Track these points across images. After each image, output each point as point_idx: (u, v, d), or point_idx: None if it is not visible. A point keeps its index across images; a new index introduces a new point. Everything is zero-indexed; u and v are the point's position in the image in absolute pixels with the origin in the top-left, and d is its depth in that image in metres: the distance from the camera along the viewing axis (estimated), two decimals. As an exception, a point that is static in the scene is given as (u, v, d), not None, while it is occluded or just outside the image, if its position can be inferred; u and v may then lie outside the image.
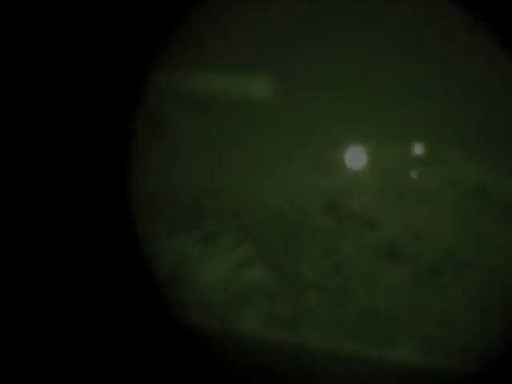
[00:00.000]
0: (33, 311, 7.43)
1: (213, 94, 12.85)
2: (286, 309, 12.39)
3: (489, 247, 13.87)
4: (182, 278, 8.00)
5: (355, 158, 16.85)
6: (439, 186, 15.84)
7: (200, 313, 7.58)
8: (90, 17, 7.54)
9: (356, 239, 15.02)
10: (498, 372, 8.61)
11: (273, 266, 13.58)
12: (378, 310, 12.29)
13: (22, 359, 7.31)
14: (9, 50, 7.50)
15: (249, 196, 15.86)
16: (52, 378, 7.29)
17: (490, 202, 14.90)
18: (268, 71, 12.90)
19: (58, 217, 7.64)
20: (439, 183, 15.89)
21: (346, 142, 16.49)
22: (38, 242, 7.57)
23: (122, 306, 7.48)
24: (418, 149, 16.13)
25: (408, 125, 15.32)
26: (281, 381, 7.44)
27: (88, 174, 7.69)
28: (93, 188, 7.68)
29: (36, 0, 7.49)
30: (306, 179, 16.90)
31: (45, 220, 7.56)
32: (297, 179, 16.93)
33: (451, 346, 10.83)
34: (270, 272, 13.17)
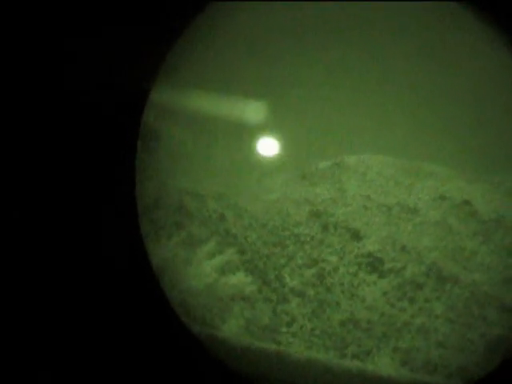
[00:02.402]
0: (33, 311, 7.38)
1: (205, 110, 12.77)
2: (268, 315, 12.24)
3: (472, 263, 13.81)
4: (166, 280, 8.01)
5: (342, 169, 16.75)
6: (426, 200, 15.74)
7: (183, 315, 7.59)
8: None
9: (340, 249, 14.89)
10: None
11: (256, 272, 13.45)
12: (359, 321, 12.19)
13: (22, 359, 7.25)
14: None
15: (235, 202, 15.70)
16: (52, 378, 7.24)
17: (475, 218, 14.79)
18: (260, 89, 12.85)
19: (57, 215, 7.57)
20: (426, 198, 15.80)
21: (333, 153, 16.03)
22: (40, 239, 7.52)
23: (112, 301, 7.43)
24: (406, 163, 16.06)
25: (396, 140, 15.01)
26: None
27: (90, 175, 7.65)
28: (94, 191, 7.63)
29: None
30: (293, 188, 16.78)
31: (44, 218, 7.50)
32: (284, 188, 16.82)
33: (430, 360, 10.79)
34: (253, 278, 13.03)
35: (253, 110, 14.80)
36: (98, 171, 7.92)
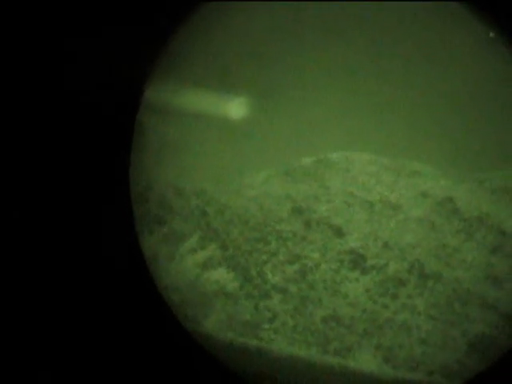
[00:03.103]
0: (33, 311, 7.31)
1: (190, 106, 12.64)
2: (250, 312, 12.15)
3: (455, 261, 13.79)
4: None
5: (325, 166, 16.67)
6: (408, 197, 15.68)
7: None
8: None
9: (322, 246, 14.81)
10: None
11: (238, 269, 13.36)
12: (341, 317, 12.14)
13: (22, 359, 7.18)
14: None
15: (217, 198, 15.58)
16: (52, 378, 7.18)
17: (458, 216, 14.75)
18: (247, 86, 12.80)
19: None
20: (408, 195, 15.74)
21: (316, 150, 15.97)
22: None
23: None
24: (389, 160, 15.99)
25: (380, 136, 15.02)
26: (241, 381, 7.35)
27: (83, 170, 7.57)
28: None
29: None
30: (275, 184, 16.65)
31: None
32: (266, 184, 16.71)
33: (412, 357, 10.75)
34: (235, 274, 12.95)
35: (236, 107, 14.75)
36: (94, 169, 7.86)
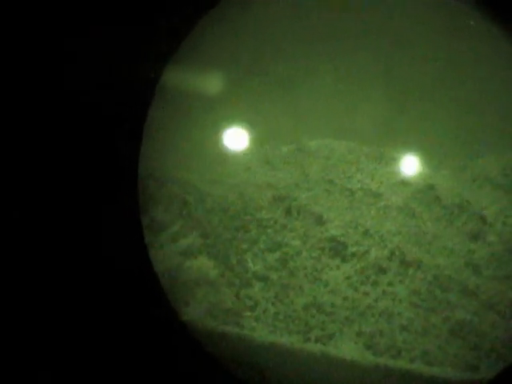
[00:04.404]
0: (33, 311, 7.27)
1: (175, 88, 12.51)
2: (231, 300, 12.11)
3: (435, 248, 13.80)
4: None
5: (304, 153, 16.62)
6: (389, 185, 15.69)
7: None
8: None
9: (303, 234, 14.80)
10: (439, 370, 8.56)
11: (218, 257, 13.31)
12: (322, 305, 12.12)
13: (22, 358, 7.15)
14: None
15: (198, 186, 15.48)
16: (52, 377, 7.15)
17: (438, 203, 14.80)
18: (229, 73, 12.77)
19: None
20: (389, 182, 15.74)
21: (296, 137, 16.21)
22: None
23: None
24: (369, 148, 15.98)
25: (359, 124, 15.18)
26: (223, 369, 7.34)
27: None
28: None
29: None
30: (256, 172, 16.61)
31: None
32: (246, 172, 16.66)
33: (394, 344, 10.76)
34: (216, 262, 12.89)
35: (217, 91, 14.72)
36: (97, 169, 7.83)
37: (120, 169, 8.17)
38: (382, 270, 13.64)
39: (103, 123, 7.93)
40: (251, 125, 16.46)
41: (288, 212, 15.48)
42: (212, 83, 14.57)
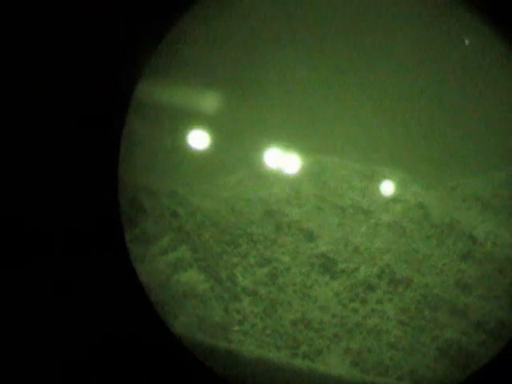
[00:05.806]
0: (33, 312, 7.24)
1: (165, 104, 12.45)
2: (219, 314, 12.07)
3: (425, 266, 13.79)
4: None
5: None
6: (379, 202, 15.68)
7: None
8: None
9: (293, 249, 14.76)
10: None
11: (208, 271, 13.27)
12: (310, 321, 12.11)
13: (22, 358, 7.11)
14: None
15: (189, 200, 15.43)
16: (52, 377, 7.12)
17: (429, 222, 14.77)
18: (224, 85, 12.71)
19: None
20: (380, 200, 15.74)
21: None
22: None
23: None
24: (361, 166, 15.92)
25: (352, 142, 15.12)
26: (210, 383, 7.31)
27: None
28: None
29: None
30: (247, 187, 16.56)
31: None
32: (238, 186, 16.60)
33: (382, 362, 10.74)
34: (206, 276, 12.86)
35: (209, 107, 14.72)
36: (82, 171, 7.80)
37: (99, 181, 8.13)
38: (372, 288, 13.64)
39: (79, 135, 7.91)
40: (244, 139, 16.48)
41: (279, 227, 15.49)
42: (199, 97, 14.59)
